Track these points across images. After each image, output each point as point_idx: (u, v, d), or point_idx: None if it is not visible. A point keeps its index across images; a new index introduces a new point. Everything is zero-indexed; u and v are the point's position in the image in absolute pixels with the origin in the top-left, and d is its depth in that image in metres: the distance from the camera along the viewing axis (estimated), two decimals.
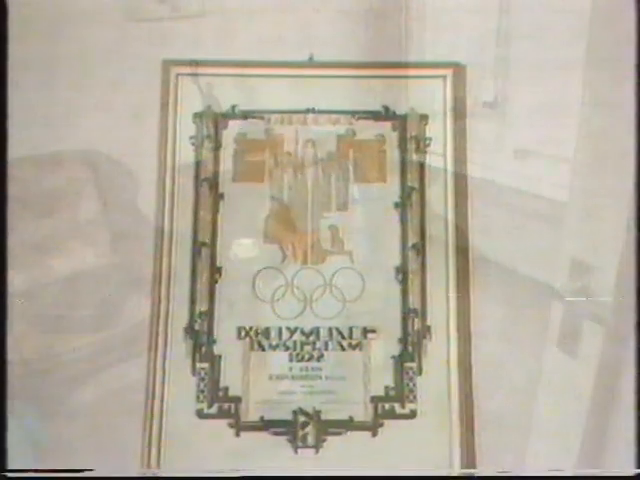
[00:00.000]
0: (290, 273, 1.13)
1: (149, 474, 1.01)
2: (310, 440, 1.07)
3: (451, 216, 1.13)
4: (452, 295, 1.11)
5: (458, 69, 1.15)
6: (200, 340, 1.11)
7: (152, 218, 1.12)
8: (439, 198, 1.14)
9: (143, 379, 1.07)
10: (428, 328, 1.11)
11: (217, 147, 1.15)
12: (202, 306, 1.11)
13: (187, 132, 1.15)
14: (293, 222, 1.13)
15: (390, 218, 1.14)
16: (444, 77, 1.15)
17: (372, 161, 1.15)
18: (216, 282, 1.12)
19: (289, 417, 1.08)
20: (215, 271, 1.12)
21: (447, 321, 1.11)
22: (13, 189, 1.07)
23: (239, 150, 1.15)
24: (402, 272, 1.12)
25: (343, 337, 1.11)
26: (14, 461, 0.99)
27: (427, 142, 1.16)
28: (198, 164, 1.15)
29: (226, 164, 1.14)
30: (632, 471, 0.93)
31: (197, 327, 1.11)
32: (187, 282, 1.12)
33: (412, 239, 1.13)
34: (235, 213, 1.13)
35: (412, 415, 1.08)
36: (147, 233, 1.11)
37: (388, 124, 1.16)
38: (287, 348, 1.10)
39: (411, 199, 1.14)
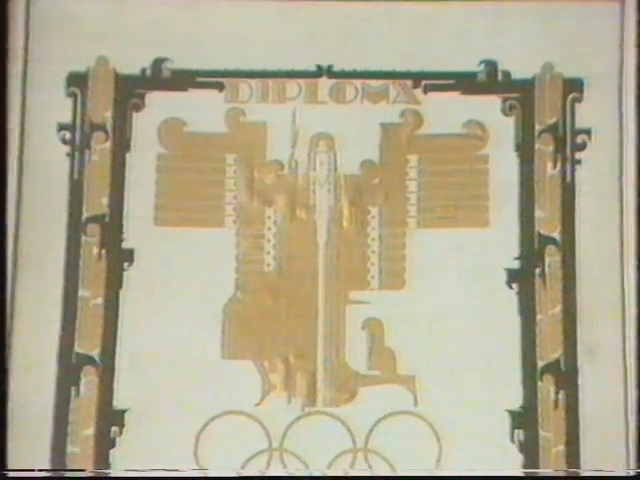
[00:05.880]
0: (279, 424, 0.82)
1: None
2: None
3: (635, 299, 0.83)
4: None
5: None
6: None
7: None
8: (609, 261, 0.82)
9: None
10: None
11: (119, 149, 0.84)
12: None
13: (53, 116, 0.84)
14: (286, 313, 0.83)
15: (499, 302, 0.83)
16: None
17: (460, 181, 0.85)
18: (113, 445, 0.79)
19: None
20: (114, 419, 0.80)
21: None
22: None
23: (170, 157, 0.84)
24: (526, 423, 0.81)
25: None
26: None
27: (580, 141, 0.84)
28: (77, 185, 0.83)
29: (141, 187, 0.83)
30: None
31: None
32: (46, 439, 0.78)
33: (547, 349, 0.81)
34: (158, 292, 0.83)
35: None
36: None
37: (495, 101, 0.84)
38: None
39: (544, 263, 0.82)
